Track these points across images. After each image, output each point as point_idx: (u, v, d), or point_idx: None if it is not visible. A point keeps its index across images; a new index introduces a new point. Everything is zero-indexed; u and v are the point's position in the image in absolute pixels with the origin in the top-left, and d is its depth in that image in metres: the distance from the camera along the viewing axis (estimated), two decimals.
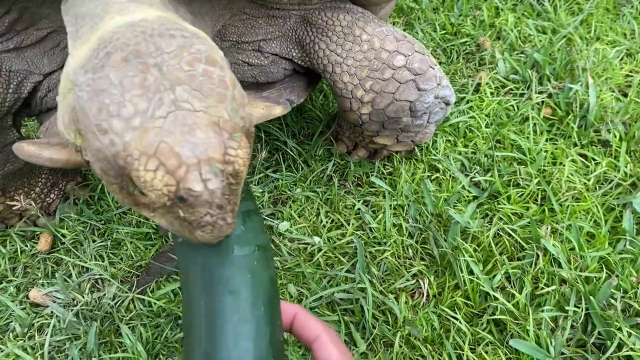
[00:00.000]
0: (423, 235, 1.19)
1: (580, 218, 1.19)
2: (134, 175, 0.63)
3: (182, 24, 0.79)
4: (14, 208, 1.13)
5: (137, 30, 0.71)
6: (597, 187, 1.26)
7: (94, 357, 1.05)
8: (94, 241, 1.24)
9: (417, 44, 1.07)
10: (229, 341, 0.61)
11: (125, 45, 0.69)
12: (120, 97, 0.64)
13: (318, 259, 1.17)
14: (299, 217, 1.26)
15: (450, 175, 1.29)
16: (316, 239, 1.21)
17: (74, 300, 1.14)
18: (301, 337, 0.67)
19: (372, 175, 1.31)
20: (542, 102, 1.45)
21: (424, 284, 1.11)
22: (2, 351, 1.07)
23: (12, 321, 1.13)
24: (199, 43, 0.71)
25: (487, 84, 1.51)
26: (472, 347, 1.02)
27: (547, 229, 1.16)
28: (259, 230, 0.72)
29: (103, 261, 1.20)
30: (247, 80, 1.14)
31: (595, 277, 1.06)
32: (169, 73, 0.66)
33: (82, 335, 1.08)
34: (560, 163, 1.30)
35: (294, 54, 1.15)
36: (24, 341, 1.09)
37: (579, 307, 1.03)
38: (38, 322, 1.12)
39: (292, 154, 1.38)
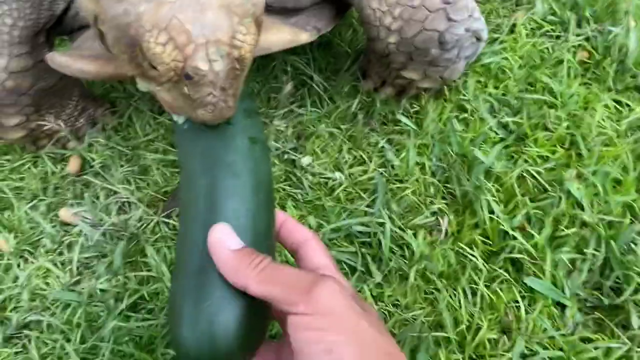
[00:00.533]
0: (446, 175, 1.18)
1: (608, 164, 1.16)
2: (144, 47, 0.65)
3: None
4: (44, 128, 1.16)
5: None
6: (629, 134, 1.22)
7: (120, 274, 1.10)
8: (121, 166, 1.27)
9: None
10: (230, 217, 0.62)
11: None
12: None
13: (339, 193, 1.18)
14: (322, 152, 1.26)
15: (478, 116, 1.27)
16: (338, 174, 1.22)
17: (101, 220, 1.18)
18: (288, 241, 0.67)
19: (398, 113, 1.30)
20: (579, 45, 1.40)
21: (443, 221, 1.12)
22: (34, 264, 1.13)
23: (43, 237, 1.17)
24: None
25: (522, 24, 1.46)
26: (487, 283, 1.03)
27: (573, 173, 1.14)
28: (260, 128, 0.75)
29: (130, 185, 1.23)
30: (274, 5, 1.13)
31: (618, 221, 1.05)
32: None
33: (108, 254, 1.13)
34: (593, 108, 1.26)
35: None
36: (54, 257, 1.14)
37: (598, 251, 1.03)
38: (67, 239, 1.17)
39: (317, 89, 1.37)
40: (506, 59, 1.38)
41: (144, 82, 0.73)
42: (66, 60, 0.85)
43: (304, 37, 1.06)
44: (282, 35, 1.01)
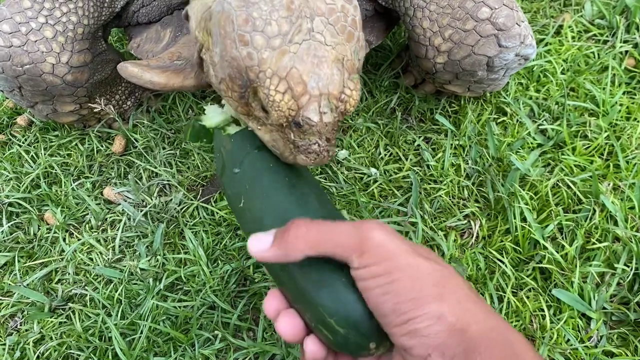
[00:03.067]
0: (480, 178, 1.19)
1: None
2: (261, 92, 0.69)
3: None
4: (94, 111, 1.20)
5: None
6: None
7: (159, 255, 1.15)
8: (163, 148, 1.31)
9: None
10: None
11: None
12: (268, 15, 0.68)
13: (373, 189, 1.21)
14: (358, 147, 1.28)
15: (517, 120, 1.27)
16: (373, 170, 1.24)
17: (143, 201, 1.23)
18: None
19: (436, 112, 1.31)
20: (626, 52, 1.37)
21: (475, 225, 1.13)
22: (79, 240, 1.19)
23: (87, 214, 1.23)
24: None
25: (569, 27, 1.44)
26: (515, 290, 1.05)
27: (609, 185, 1.14)
28: None
29: (171, 168, 1.28)
30: None
31: None
32: (312, 2, 0.70)
33: (149, 235, 1.18)
34: (635, 119, 1.25)
35: None
36: (98, 233, 1.20)
37: (628, 266, 1.03)
38: (110, 217, 1.22)
39: None
40: (550, 62, 1.36)
41: (243, 118, 0.77)
42: (137, 71, 0.90)
43: None
44: None
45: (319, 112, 0.68)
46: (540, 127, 1.26)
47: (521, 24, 1.04)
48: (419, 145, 1.26)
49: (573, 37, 1.43)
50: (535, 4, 1.53)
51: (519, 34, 1.03)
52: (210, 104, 0.87)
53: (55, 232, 1.21)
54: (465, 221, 1.14)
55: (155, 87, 0.94)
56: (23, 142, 1.36)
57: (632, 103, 1.28)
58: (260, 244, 0.62)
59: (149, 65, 0.97)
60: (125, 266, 1.14)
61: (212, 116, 0.85)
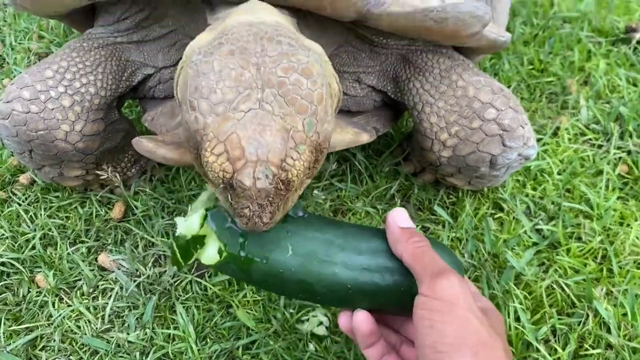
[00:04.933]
0: (476, 273, 1.20)
1: (639, 285, 1.17)
2: (202, 153, 0.73)
3: (297, 34, 0.86)
4: (100, 178, 1.22)
5: (251, 30, 0.80)
6: None
7: (148, 328, 1.13)
8: (162, 217, 1.32)
9: (513, 99, 1.07)
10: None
11: (236, 40, 0.78)
12: (214, 85, 0.73)
13: None
14: None
15: (513, 217, 1.30)
16: None
17: (137, 271, 1.22)
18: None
19: (434, 202, 1.33)
20: (620, 158, 1.42)
21: None
22: (69, 306, 1.17)
23: (80, 280, 1.22)
24: (302, 54, 0.78)
25: (566, 129, 1.50)
26: None
27: (602, 290, 1.15)
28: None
29: (168, 239, 1.28)
30: (340, 108, 1.19)
31: None
32: (264, 74, 0.74)
33: (140, 306, 1.16)
34: (628, 224, 1.28)
35: (389, 87, 1.19)
36: (89, 301, 1.18)
37: None
38: (103, 285, 1.21)
39: (359, 166, 1.41)
40: (547, 162, 1.40)
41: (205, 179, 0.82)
42: (151, 147, 0.93)
43: (365, 137, 1.11)
44: (345, 136, 1.06)
45: (252, 177, 0.69)
46: (536, 226, 1.28)
47: (525, 126, 1.08)
48: None
49: (569, 139, 1.48)
50: (534, 104, 1.59)
51: (522, 136, 1.07)
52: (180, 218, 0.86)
53: (45, 296, 1.19)
54: None
55: (168, 162, 0.97)
56: (23, 201, 1.36)
57: (625, 209, 1.31)
58: (399, 219, 0.81)
59: (163, 141, 1.00)
60: (113, 337, 1.12)
61: (192, 221, 0.84)
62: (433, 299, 0.68)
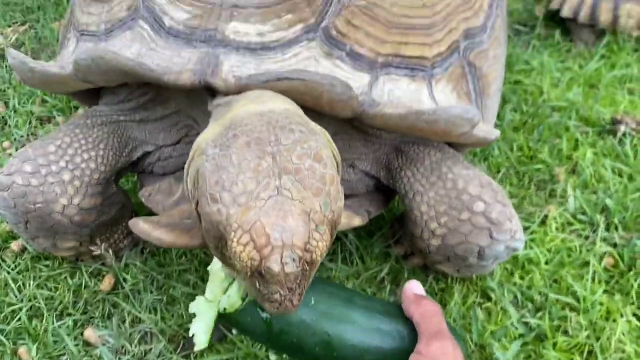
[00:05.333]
0: None
1: None
2: (227, 244, 0.75)
3: (304, 118, 0.91)
4: (91, 252, 1.23)
5: (263, 120, 0.84)
6: None
7: None
8: (151, 292, 1.32)
9: (500, 193, 1.11)
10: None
11: (250, 131, 0.82)
12: (235, 177, 0.76)
13: None
14: None
15: (501, 307, 1.30)
16: None
17: (122, 347, 1.21)
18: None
19: (424, 288, 1.34)
20: (605, 252, 1.44)
21: None
22: None
23: (64, 355, 1.20)
24: (312, 139, 0.83)
25: (554, 218, 1.53)
26: None
27: None
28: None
29: (156, 315, 1.27)
30: None
31: None
32: (280, 162, 0.79)
33: None
34: (614, 319, 1.29)
35: (381, 174, 1.22)
36: None
37: None
38: None
39: (350, 246, 1.43)
40: (534, 251, 1.42)
41: (225, 267, 0.85)
42: (147, 228, 0.96)
43: (357, 221, 1.14)
44: None
45: (280, 263, 0.72)
46: (523, 318, 1.29)
47: (512, 219, 1.11)
48: None
49: (557, 228, 1.51)
50: (523, 190, 1.63)
51: (510, 229, 1.10)
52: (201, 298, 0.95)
53: None
54: None
55: (162, 244, 0.98)
56: (12, 269, 1.36)
57: (611, 303, 1.32)
58: (415, 288, 1.00)
59: (159, 222, 1.01)
60: None
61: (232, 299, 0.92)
62: (424, 356, 0.78)
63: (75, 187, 1.09)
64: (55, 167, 1.09)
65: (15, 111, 1.88)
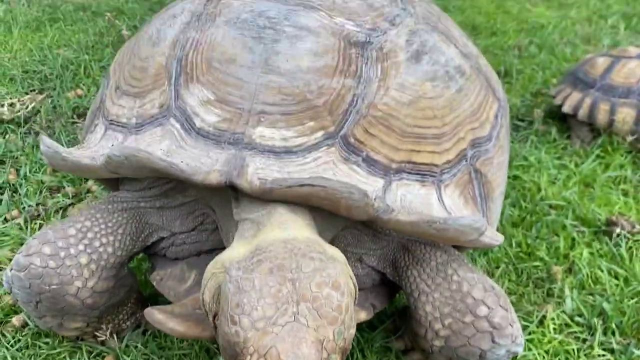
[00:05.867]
0: None
1: None
2: None
3: (323, 245, 0.96)
4: (98, 339, 1.23)
5: (286, 247, 0.89)
6: None
7: None
8: None
9: (503, 297, 1.14)
10: None
11: (274, 258, 0.87)
12: (255, 302, 0.81)
13: None
14: None
15: None
16: None
17: None
18: None
19: None
20: (603, 357, 1.46)
21: None
22: None
23: None
24: (331, 267, 0.88)
25: (552, 318, 1.55)
26: None
27: None
28: None
29: None
30: None
31: None
32: (299, 289, 0.83)
33: None
34: None
35: (388, 270, 1.26)
36: None
37: None
38: None
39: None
40: (533, 353, 1.44)
41: None
42: (162, 319, 0.99)
43: (363, 315, 1.18)
44: None
45: None
46: None
47: (513, 324, 1.14)
48: None
49: (555, 329, 1.53)
50: (521, 287, 1.66)
51: (511, 334, 1.12)
52: None
53: None
54: None
55: (174, 334, 1.01)
56: (12, 346, 1.35)
57: None
58: None
59: (172, 312, 1.04)
60: None
61: None
62: None
63: (91, 270, 1.12)
64: (74, 250, 1.11)
65: (26, 179, 1.92)
